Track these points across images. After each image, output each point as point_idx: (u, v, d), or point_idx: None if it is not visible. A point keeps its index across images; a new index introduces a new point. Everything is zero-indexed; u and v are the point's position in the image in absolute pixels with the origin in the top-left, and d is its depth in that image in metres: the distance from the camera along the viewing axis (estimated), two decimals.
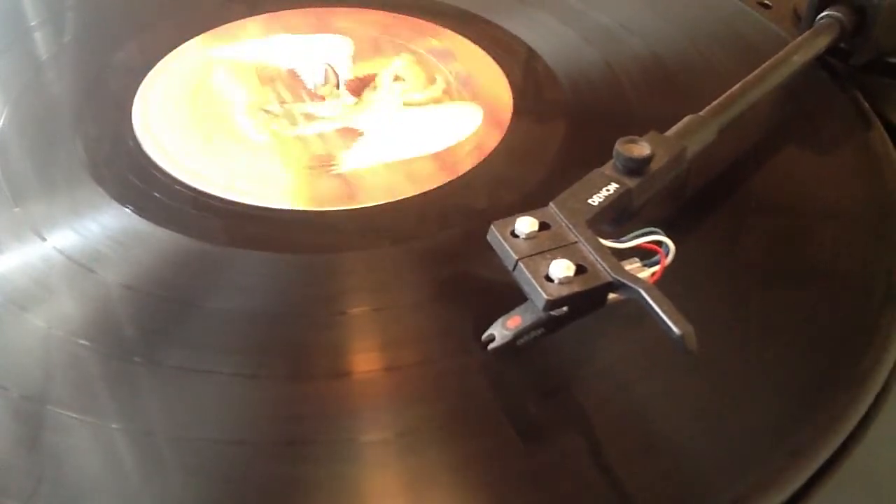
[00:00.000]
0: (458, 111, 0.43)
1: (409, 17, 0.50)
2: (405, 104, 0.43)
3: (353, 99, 0.43)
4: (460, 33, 0.48)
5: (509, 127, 0.41)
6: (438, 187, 0.37)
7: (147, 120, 0.41)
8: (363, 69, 0.45)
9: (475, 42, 0.47)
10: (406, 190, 0.37)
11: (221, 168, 0.38)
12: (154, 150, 0.39)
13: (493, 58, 0.46)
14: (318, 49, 0.47)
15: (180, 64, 0.45)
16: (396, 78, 0.45)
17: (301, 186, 0.38)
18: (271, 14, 0.49)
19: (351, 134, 0.41)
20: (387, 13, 0.50)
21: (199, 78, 0.44)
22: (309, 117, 0.42)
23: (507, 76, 0.44)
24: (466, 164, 0.39)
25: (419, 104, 0.43)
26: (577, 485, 0.26)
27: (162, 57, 0.46)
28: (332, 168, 0.39)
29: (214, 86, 0.44)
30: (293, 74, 0.45)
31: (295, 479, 0.26)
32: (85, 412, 0.28)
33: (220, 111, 0.42)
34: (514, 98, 0.43)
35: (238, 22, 0.49)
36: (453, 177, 0.38)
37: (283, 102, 0.43)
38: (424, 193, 0.37)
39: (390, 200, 0.37)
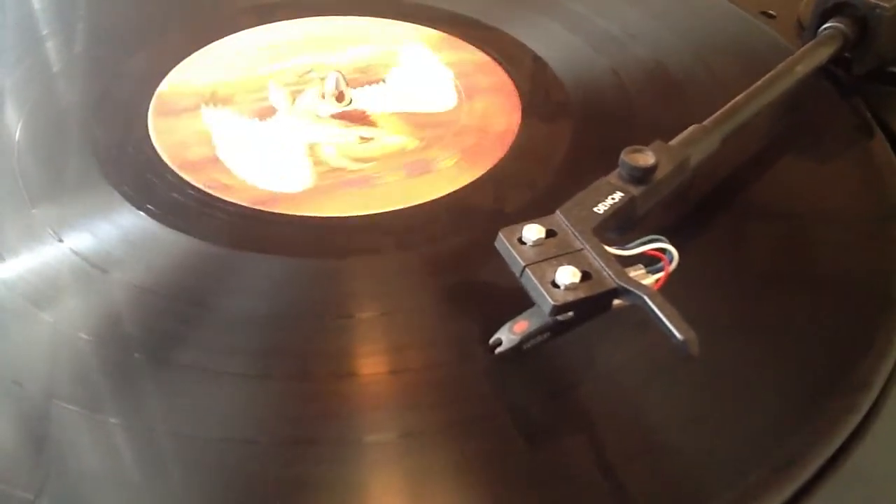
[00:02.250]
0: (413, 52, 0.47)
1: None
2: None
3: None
4: (468, 41, 0.48)
5: (517, 133, 0.41)
6: (447, 194, 0.38)
7: (165, 129, 0.42)
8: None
9: (483, 50, 0.47)
10: (423, 192, 0.38)
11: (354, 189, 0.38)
12: (169, 156, 0.40)
13: (500, 65, 0.46)
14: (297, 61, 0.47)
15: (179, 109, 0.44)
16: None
17: (440, 169, 0.39)
18: (186, 62, 0.47)
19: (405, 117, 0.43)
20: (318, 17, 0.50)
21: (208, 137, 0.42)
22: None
23: (515, 83, 0.45)
24: (477, 170, 0.39)
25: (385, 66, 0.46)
26: (579, 487, 0.27)
27: (174, 66, 0.46)
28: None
29: (229, 122, 0.43)
30: (301, 90, 0.45)
31: (300, 478, 0.27)
32: (95, 410, 0.29)
33: (267, 150, 0.41)
34: (521, 105, 0.43)
35: (167, 79, 0.46)
36: (461, 184, 0.38)
37: (318, 116, 0.43)
38: (433, 200, 0.37)
39: (399, 207, 0.37)
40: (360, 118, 0.43)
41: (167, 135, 0.41)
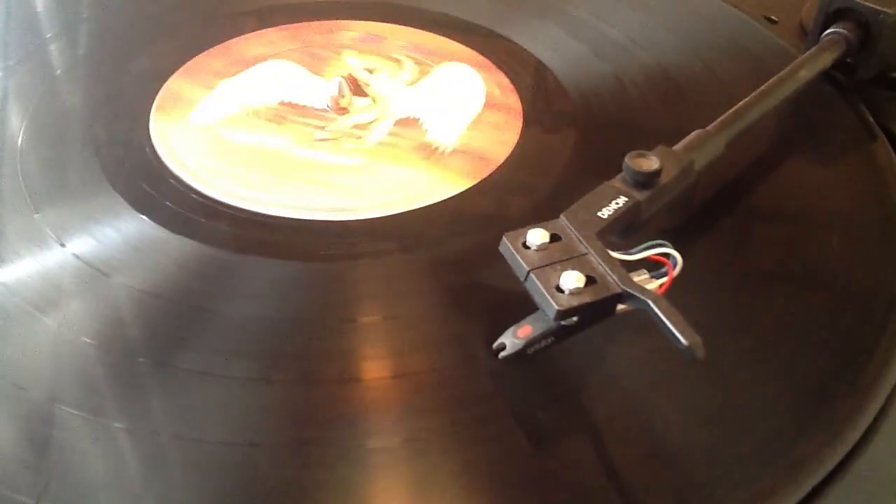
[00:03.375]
0: (450, 70, 0.47)
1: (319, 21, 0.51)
2: (407, 83, 0.45)
3: (366, 99, 0.44)
4: (470, 46, 0.48)
5: (520, 138, 0.41)
6: (450, 197, 0.38)
7: (165, 133, 0.42)
8: (329, 76, 0.46)
9: (485, 55, 0.47)
10: (502, 145, 0.39)
11: (349, 195, 0.38)
12: (171, 160, 0.40)
13: (503, 71, 0.46)
14: (275, 78, 0.47)
15: (180, 133, 0.43)
16: (370, 70, 0.46)
17: (444, 174, 0.39)
18: (188, 65, 0.47)
19: (411, 122, 0.43)
20: (292, 25, 0.50)
21: (211, 140, 0.42)
22: (360, 127, 0.43)
23: (518, 89, 0.45)
24: (511, 127, 0.40)
25: (416, 80, 0.46)
26: (583, 491, 0.27)
27: (176, 69, 0.46)
28: (442, 149, 0.41)
29: (237, 142, 0.42)
30: (291, 105, 0.44)
31: (303, 482, 0.27)
32: (98, 414, 0.29)
33: (275, 157, 0.41)
34: (524, 110, 0.43)
35: (169, 83, 0.46)
36: (464, 187, 0.38)
37: (322, 128, 0.43)
38: (436, 203, 0.37)
39: (401, 211, 0.37)
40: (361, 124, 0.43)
41: (169, 132, 0.42)
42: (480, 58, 0.47)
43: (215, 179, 0.39)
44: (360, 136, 0.42)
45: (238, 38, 0.49)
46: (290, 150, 0.41)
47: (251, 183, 0.39)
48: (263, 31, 0.50)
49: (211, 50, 0.48)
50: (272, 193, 0.38)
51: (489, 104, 0.44)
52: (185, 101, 0.44)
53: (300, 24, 0.50)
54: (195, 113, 0.43)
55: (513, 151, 0.41)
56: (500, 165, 0.40)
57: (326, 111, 0.44)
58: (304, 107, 0.44)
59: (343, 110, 0.44)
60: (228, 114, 0.44)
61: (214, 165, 0.40)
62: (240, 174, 0.39)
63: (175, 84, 0.45)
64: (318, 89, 0.45)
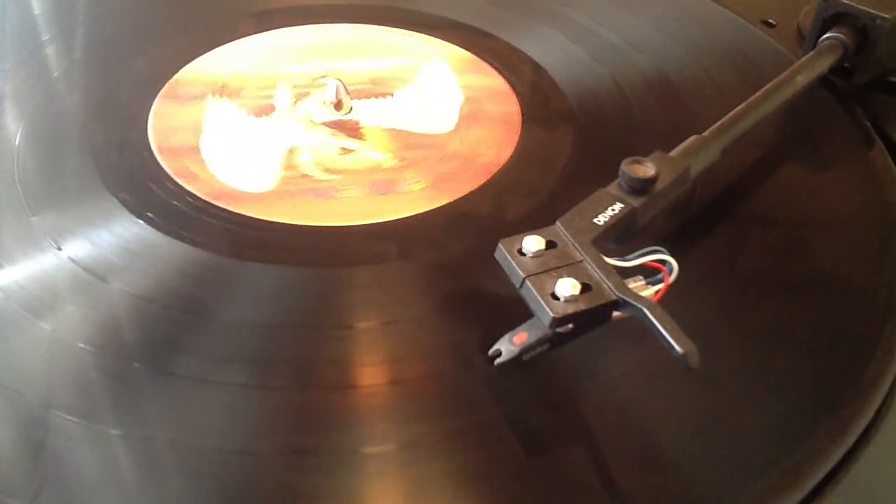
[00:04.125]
0: (428, 68, 0.47)
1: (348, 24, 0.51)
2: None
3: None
4: (468, 49, 0.48)
5: (517, 143, 0.41)
6: (446, 204, 0.38)
7: (163, 136, 0.42)
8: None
9: (483, 59, 0.47)
10: (436, 198, 0.38)
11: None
12: (168, 164, 0.40)
13: (501, 74, 0.46)
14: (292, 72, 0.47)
15: (177, 116, 0.44)
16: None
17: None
18: (208, 55, 0.48)
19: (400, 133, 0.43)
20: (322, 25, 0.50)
21: (205, 126, 0.43)
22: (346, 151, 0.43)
23: (516, 93, 0.45)
24: (474, 181, 0.39)
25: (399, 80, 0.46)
26: (580, 498, 0.27)
27: (175, 72, 0.46)
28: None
29: (229, 129, 0.43)
30: (292, 101, 0.45)
31: (299, 489, 0.27)
32: (93, 419, 0.29)
33: (261, 146, 0.42)
34: (522, 115, 0.43)
35: (184, 69, 0.47)
36: (460, 194, 0.38)
37: (313, 123, 0.43)
38: (432, 210, 0.37)
39: (399, 217, 0.37)
40: (350, 129, 0.43)
41: (165, 134, 0.42)
42: (499, 79, 0.47)
43: (187, 162, 0.39)
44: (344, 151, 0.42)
45: (269, 31, 0.50)
46: (272, 141, 0.42)
47: (218, 171, 0.39)
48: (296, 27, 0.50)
49: (237, 42, 0.48)
50: (231, 184, 0.38)
51: (484, 125, 0.43)
52: (192, 86, 0.45)
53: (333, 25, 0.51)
54: (200, 97, 0.45)
55: (510, 156, 0.41)
56: (498, 170, 0.40)
57: (324, 106, 0.44)
58: (307, 103, 0.44)
59: (338, 106, 0.44)
60: (230, 103, 0.44)
61: (193, 149, 0.40)
62: (211, 160, 0.40)
63: (191, 70, 0.46)
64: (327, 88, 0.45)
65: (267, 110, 0.44)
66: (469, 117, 0.44)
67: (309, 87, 0.45)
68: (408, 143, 0.42)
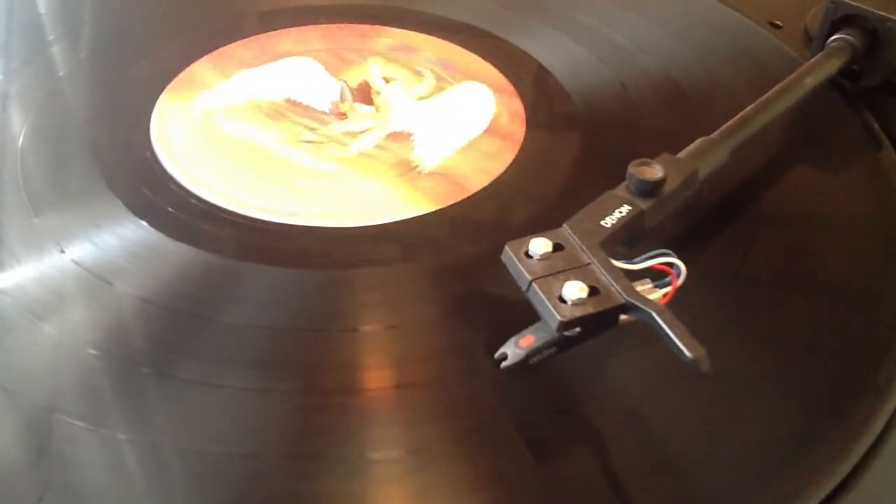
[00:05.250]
0: (466, 90, 0.45)
1: (353, 24, 0.50)
2: (417, 98, 0.45)
3: (370, 108, 0.44)
4: (474, 51, 0.48)
5: (522, 145, 0.41)
6: (451, 205, 0.38)
7: (166, 138, 0.42)
8: (347, 80, 0.46)
9: (489, 61, 0.47)
10: (485, 174, 0.39)
11: (306, 200, 0.38)
12: (172, 166, 0.40)
13: (507, 76, 0.46)
14: (292, 74, 0.47)
15: (180, 108, 0.44)
16: (387, 79, 0.46)
17: (411, 193, 0.38)
18: (214, 53, 0.48)
19: (402, 137, 0.42)
20: (329, 25, 0.50)
21: (206, 127, 0.43)
22: (350, 135, 0.42)
23: (521, 95, 0.45)
24: (479, 183, 0.39)
25: (429, 95, 0.45)
26: (588, 502, 0.27)
27: (178, 73, 0.46)
28: (420, 169, 0.40)
29: (230, 132, 0.42)
30: (294, 103, 0.44)
31: (304, 494, 0.27)
32: (96, 422, 0.28)
33: (258, 152, 0.41)
34: (527, 117, 0.43)
35: (190, 69, 0.47)
36: (465, 195, 0.38)
37: (313, 129, 0.43)
38: (437, 211, 0.37)
39: (404, 217, 0.37)
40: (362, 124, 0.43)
41: (170, 137, 0.41)
42: (504, 81, 0.46)
43: (213, 181, 0.39)
44: (346, 143, 0.42)
45: (272, 32, 0.49)
46: (273, 147, 0.41)
47: (336, 201, 0.38)
48: (301, 28, 0.50)
49: (243, 41, 0.48)
50: (371, 206, 0.38)
51: (490, 130, 0.42)
52: (199, 85, 0.45)
53: (339, 26, 0.51)
54: (203, 97, 0.44)
55: (515, 158, 0.40)
56: (503, 172, 0.39)
57: (326, 114, 0.44)
58: (307, 107, 0.44)
59: (342, 115, 0.43)
60: (232, 103, 0.44)
61: (201, 155, 0.40)
62: (226, 167, 0.39)
63: (197, 69, 0.46)
64: (326, 91, 0.45)
65: (276, 115, 0.43)
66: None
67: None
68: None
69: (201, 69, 0.47)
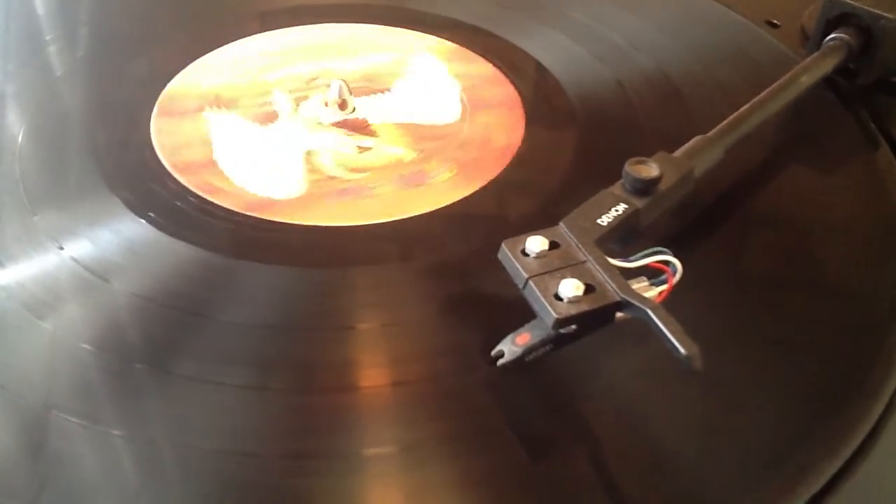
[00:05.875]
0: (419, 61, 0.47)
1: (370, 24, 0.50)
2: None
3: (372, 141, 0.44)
4: (473, 50, 0.48)
5: (520, 143, 0.41)
6: (449, 204, 0.38)
7: (166, 135, 0.42)
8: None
9: (487, 59, 0.47)
10: (418, 204, 0.38)
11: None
12: (171, 164, 0.40)
13: (505, 75, 0.46)
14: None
15: (186, 96, 0.45)
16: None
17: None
18: (220, 49, 0.49)
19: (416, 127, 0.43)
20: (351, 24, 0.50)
21: (203, 119, 0.43)
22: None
23: (519, 93, 0.45)
24: (477, 182, 0.39)
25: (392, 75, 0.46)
26: (583, 501, 0.27)
27: (177, 72, 0.46)
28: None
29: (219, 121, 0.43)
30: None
31: (300, 491, 0.27)
32: (94, 420, 0.28)
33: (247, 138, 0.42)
34: (525, 115, 0.43)
35: (198, 62, 0.47)
36: (464, 194, 0.38)
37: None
38: (435, 210, 0.37)
39: (399, 217, 0.37)
40: (360, 127, 0.43)
41: (168, 136, 0.41)
42: (484, 61, 0.47)
43: (207, 177, 0.39)
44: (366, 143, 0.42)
45: (242, 39, 0.49)
46: (287, 147, 0.42)
47: (243, 182, 0.39)
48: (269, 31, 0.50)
49: (218, 50, 0.48)
50: (262, 193, 0.38)
51: (489, 111, 0.43)
52: (187, 100, 0.44)
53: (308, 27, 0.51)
54: (208, 80, 0.45)
55: (513, 157, 0.40)
56: (495, 176, 0.39)
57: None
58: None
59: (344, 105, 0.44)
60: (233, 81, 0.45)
61: (209, 163, 0.40)
62: (232, 172, 0.39)
63: (178, 82, 0.45)
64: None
65: (270, 117, 0.43)
66: (471, 103, 0.44)
67: (305, 90, 0.45)
68: (421, 135, 0.42)
69: (202, 66, 0.47)
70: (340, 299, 0.33)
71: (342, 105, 0.44)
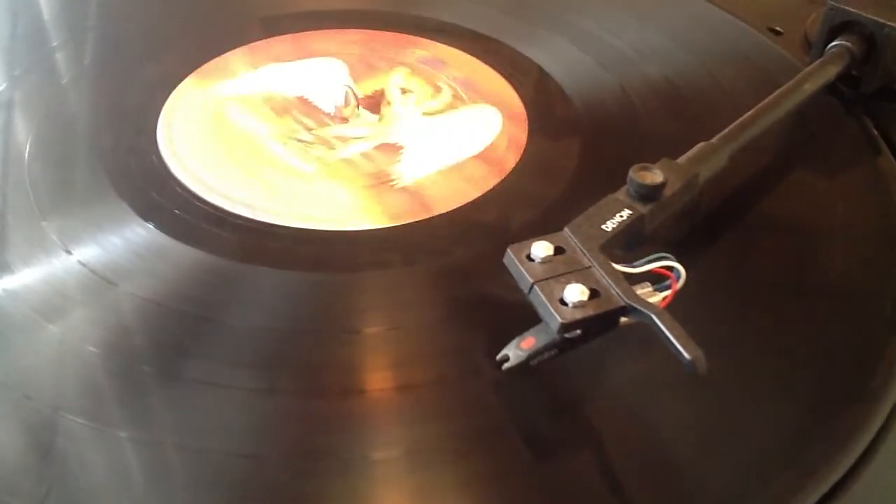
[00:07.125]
0: (477, 113, 0.45)
1: (393, 33, 0.51)
2: (424, 114, 0.44)
3: (374, 116, 0.44)
4: (477, 57, 0.48)
5: (525, 149, 0.41)
6: (455, 209, 0.38)
7: (171, 141, 0.42)
8: (366, 87, 0.46)
9: (491, 66, 0.48)
10: (457, 198, 0.38)
11: (276, 198, 0.39)
12: (178, 169, 0.40)
13: (509, 81, 0.46)
14: (315, 74, 0.47)
15: (191, 100, 0.45)
16: (404, 91, 0.46)
17: (372, 205, 0.38)
18: (252, 45, 0.49)
19: (392, 149, 0.42)
20: (364, 31, 0.51)
21: (214, 115, 0.44)
22: (342, 139, 0.42)
23: (523, 100, 0.45)
24: (483, 185, 0.39)
25: (438, 112, 0.45)
26: (586, 503, 0.27)
27: (183, 78, 0.46)
28: (394, 183, 0.40)
29: (232, 121, 0.44)
30: (304, 101, 0.45)
31: (306, 493, 0.27)
32: (102, 422, 0.29)
33: (249, 144, 0.42)
34: (529, 122, 0.43)
35: (223, 56, 0.48)
36: (426, 216, 0.38)
37: (309, 129, 0.43)
38: (440, 215, 0.38)
39: (407, 222, 0.37)
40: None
41: (175, 142, 0.42)
42: (488, 69, 0.47)
43: (218, 183, 0.39)
44: (334, 147, 0.42)
45: (212, 60, 0.49)
46: (264, 141, 0.42)
47: (299, 201, 0.39)
48: (341, 30, 0.51)
49: (189, 77, 0.47)
50: (329, 209, 0.38)
51: (482, 156, 0.41)
52: (191, 123, 0.44)
53: (380, 33, 0.51)
54: (223, 85, 0.45)
55: (518, 162, 0.41)
56: (505, 177, 0.40)
57: (330, 116, 0.44)
58: (315, 106, 0.44)
59: (344, 120, 0.44)
60: (245, 93, 0.45)
61: (244, 186, 0.39)
62: (283, 194, 0.39)
63: (179, 98, 0.45)
64: (337, 94, 0.45)
65: (283, 111, 0.44)
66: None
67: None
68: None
69: (234, 58, 0.48)
70: (347, 303, 0.34)
71: (345, 113, 0.44)
